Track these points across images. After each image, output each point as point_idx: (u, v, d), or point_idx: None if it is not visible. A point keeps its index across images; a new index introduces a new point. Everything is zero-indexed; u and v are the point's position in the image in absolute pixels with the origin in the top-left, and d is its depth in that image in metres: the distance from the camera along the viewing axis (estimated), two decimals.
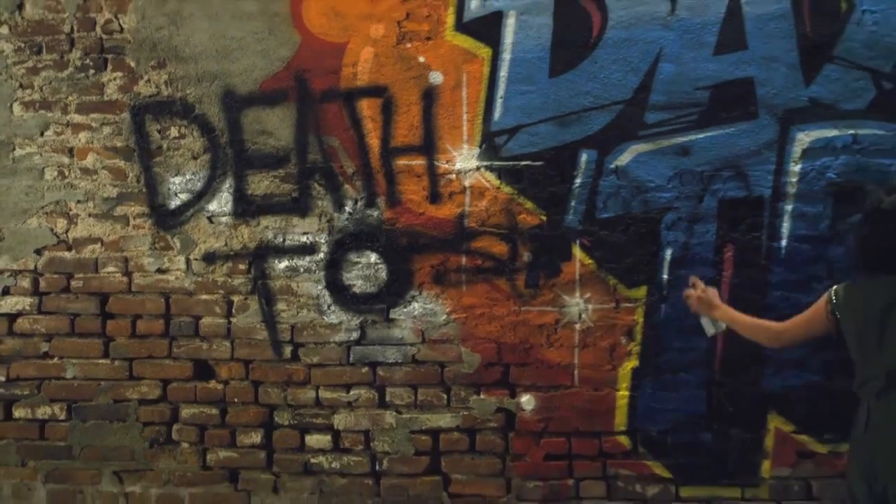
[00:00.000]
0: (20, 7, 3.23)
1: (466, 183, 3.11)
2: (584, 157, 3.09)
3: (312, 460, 3.23)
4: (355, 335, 3.19)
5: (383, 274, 3.17)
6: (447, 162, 3.11)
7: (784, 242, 3.04)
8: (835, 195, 3.03)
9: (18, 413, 3.30)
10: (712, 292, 2.80)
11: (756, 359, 3.06)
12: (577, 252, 3.10)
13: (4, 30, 3.25)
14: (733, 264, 3.06)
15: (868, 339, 2.39)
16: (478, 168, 3.10)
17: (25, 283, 3.29)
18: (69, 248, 3.29)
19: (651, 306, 3.10)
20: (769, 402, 3.08)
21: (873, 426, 2.33)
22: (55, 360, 3.31)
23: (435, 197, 3.14)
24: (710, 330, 2.84)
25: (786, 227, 3.05)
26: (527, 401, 3.14)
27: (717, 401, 3.08)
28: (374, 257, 3.17)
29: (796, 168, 3.02)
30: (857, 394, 2.43)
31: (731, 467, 3.11)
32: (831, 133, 3.02)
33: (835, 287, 2.50)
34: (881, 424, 2.31)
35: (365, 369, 3.20)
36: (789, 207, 3.04)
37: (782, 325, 2.64)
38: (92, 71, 3.23)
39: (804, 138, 3.03)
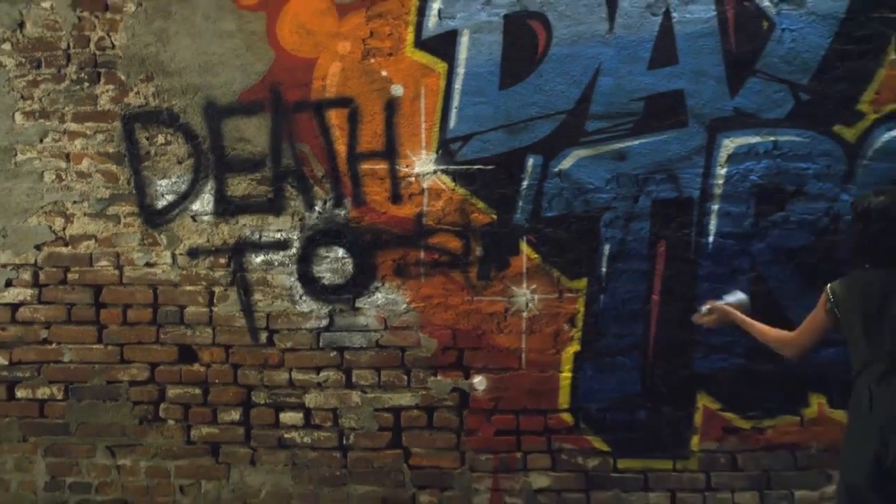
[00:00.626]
0: (21, 25, 3.36)
1: (425, 185, 3.26)
2: (530, 162, 3.25)
3: (286, 436, 3.37)
4: (324, 322, 3.34)
5: (350, 267, 3.32)
6: (407, 166, 3.26)
7: (711, 238, 3.22)
8: (757, 196, 3.21)
9: (20, 393, 3.44)
10: (727, 309, 2.83)
11: (686, 344, 3.21)
12: (525, 247, 3.26)
13: (7, 46, 3.36)
14: (665, 258, 3.22)
15: (867, 328, 2.45)
16: (435, 172, 3.26)
17: (26, 275, 3.42)
18: (66, 244, 3.41)
19: (591, 296, 3.26)
20: (698, 382, 3.26)
21: (879, 408, 2.37)
22: (53, 345, 3.43)
23: (396, 198, 3.29)
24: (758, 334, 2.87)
25: (713, 224, 3.22)
26: (479, 381, 3.29)
27: (651, 382, 3.25)
28: (341, 252, 3.32)
29: (722, 171, 3.20)
30: (855, 379, 2.47)
31: (664, 442, 3.28)
32: (754, 140, 3.20)
33: (830, 286, 2.55)
34: (887, 405, 2.36)
35: (333, 353, 3.35)
36: (716, 207, 3.21)
37: (790, 335, 2.66)
38: (86, 84, 3.36)
39: (729, 144, 3.20)
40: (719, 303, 2.88)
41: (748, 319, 2.81)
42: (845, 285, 2.51)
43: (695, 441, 3.26)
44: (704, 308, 2.91)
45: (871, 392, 2.39)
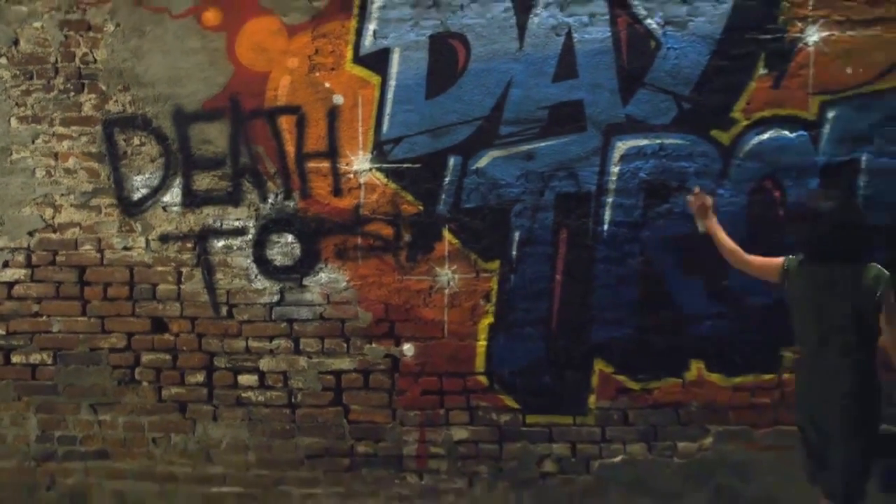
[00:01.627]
0: (16, 43, 3.58)
1: (361, 181, 3.52)
2: (451, 161, 3.50)
3: (243, 395, 3.63)
4: (276, 298, 3.59)
5: (297, 251, 3.58)
6: (347, 164, 3.52)
7: (606, 227, 3.49)
8: (645, 190, 3.47)
9: (15, 359, 3.68)
10: (711, 202, 3.19)
11: (585, 317, 3.49)
12: (447, 234, 3.53)
13: (3, 60, 3.57)
14: (567, 244, 3.49)
15: (807, 311, 2.81)
16: (370, 169, 3.51)
17: (20, 258, 3.65)
18: (55, 231, 3.64)
19: (503, 276, 3.52)
20: (595, 350, 3.53)
21: (814, 376, 2.79)
22: (44, 317, 3.67)
23: (337, 191, 3.54)
24: (700, 228, 3.26)
25: (607, 215, 3.49)
26: (408, 349, 3.58)
27: (555, 349, 3.52)
28: (290, 238, 3.57)
29: (615, 169, 3.46)
30: (798, 351, 2.93)
31: (566, 400, 3.55)
32: (643, 142, 3.46)
33: (787, 258, 2.91)
34: (818, 375, 2.78)
35: (284, 324, 3.60)
36: (610, 200, 3.48)
37: (749, 257, 3.05)
38: (72, 93, 3.58)
39: (622, 146, 3.47)
40: (707, 198, 3.20)
41: (717, 225, 3.16)
42: (797, 269, 2.86)
43: (592, 400, 3.55)
44: (695, 191, 3.24)
45: (810, 365, 2.80)
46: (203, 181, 3.62)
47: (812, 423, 2.84)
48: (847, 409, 2.73)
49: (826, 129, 3.45)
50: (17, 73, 3.64)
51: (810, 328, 2.81)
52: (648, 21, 3.46)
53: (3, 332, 3.70)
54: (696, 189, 3.27)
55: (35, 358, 3.72)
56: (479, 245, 3.55)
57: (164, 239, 3.65)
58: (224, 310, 3.65)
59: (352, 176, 3.56)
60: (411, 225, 3.56)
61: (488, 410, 3.60)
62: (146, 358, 3.69)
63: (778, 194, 3.48)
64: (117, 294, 3.68)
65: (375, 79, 3.53)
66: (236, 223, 3.62)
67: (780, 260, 2.95)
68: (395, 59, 3.52)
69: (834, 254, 2.76)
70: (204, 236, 3.64)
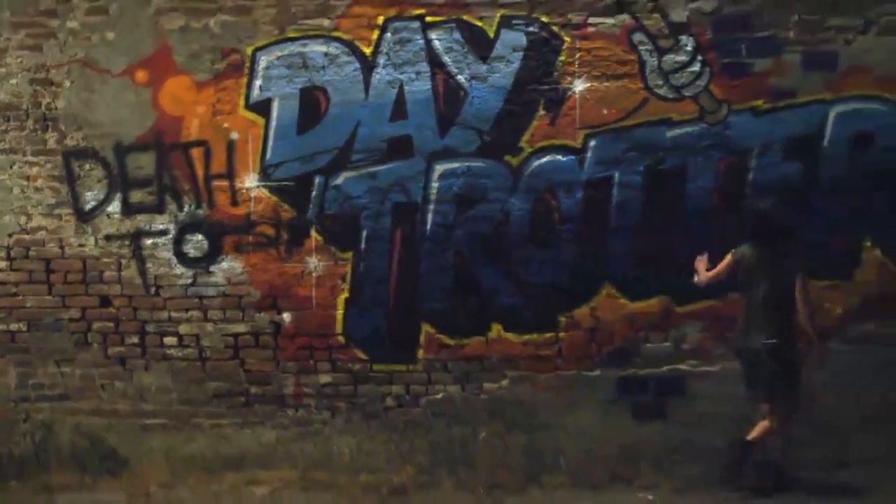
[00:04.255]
0: None
1: (252, 195, 4.28)
2: (317, 180, 4.26)
3: (168, 352, 4.36)
4: (190, 280, 4.33)
5: (206, 246, 4.33)
6: (241, 183, 4.27)
7: (429, 227, 4.30)
8: (457, 201, 4.27)
9: None
10: (703, 264, 3.96)
11: (414, 293, 4.32)
12: (314, 233, 4.28)
13: None
14: (401, 240, 4.31)
15: (756, 278, 3.71)
16: (258, 186, 4.27)
17: (2, 253, 4.33)
18: (28, 233, 4.32)
19: (355, 264, 4.29)
20: (422, 316, 4.34)
21: (757, 319, 3.72)
22: (20, 297, 4.36)
23: (234, 203, 4.29)
24: (696, 280, 3.97)
25: (430, 219, 4.29)
26: (287, 317, 4.33)
27: (393, 316, 4.34)
28: (201, 236, 4.32)
29: (435, 185, 4.26)
30: (745, 303, 3.79)
31: (401, 353, 4.34)
32: (455, 166, 4.26)
33: (738, 249, 3.78)
34: (761, 318, 3.73)
35: (196, 300, 4.34)
36: (431, 208, 4.28)
37: (716, 273, 3.90)
38: (39, 132, 4.27)
39: (440, 168, 4.26)
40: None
41: (703, 273, 3.97)
42: (749, 248, 3.77)
43: (420, 353, 4.33)
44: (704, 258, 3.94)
45: (753, 310, 3.74)
46: (136, 196, 4.35)
47: (748, 351, 3.81)
48: (777, 340, 3.73)
49: (589, 154, 4.31)
50: None
51: (757, 289, 3.75)
52: (459, 77, 4.27)
53: None
54: (705, 257, 4.01)
55: (14, 326, 4.41)
56: (337, 241, 4.31)
57: (109, 238, 4.36)
58: (153, 289, 4.38)
59: (244, 191, 4.32)
60: (288, 227, 4.30)
61: (345, 361, 4.36)
62: (96, 326, 4.38)
63: (554, 203, 4.37)
64: (74, 279, 4.36)
65: (261, 120, 4.28)
66: (161, 226, 4.36)
67: (728, 258, 3.85)
68: (276, 106, 4.29)
69: (774, 243, 3.75)
70: (138, 236, 4.35)
